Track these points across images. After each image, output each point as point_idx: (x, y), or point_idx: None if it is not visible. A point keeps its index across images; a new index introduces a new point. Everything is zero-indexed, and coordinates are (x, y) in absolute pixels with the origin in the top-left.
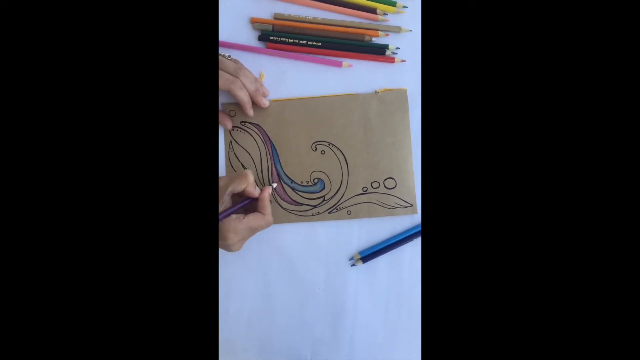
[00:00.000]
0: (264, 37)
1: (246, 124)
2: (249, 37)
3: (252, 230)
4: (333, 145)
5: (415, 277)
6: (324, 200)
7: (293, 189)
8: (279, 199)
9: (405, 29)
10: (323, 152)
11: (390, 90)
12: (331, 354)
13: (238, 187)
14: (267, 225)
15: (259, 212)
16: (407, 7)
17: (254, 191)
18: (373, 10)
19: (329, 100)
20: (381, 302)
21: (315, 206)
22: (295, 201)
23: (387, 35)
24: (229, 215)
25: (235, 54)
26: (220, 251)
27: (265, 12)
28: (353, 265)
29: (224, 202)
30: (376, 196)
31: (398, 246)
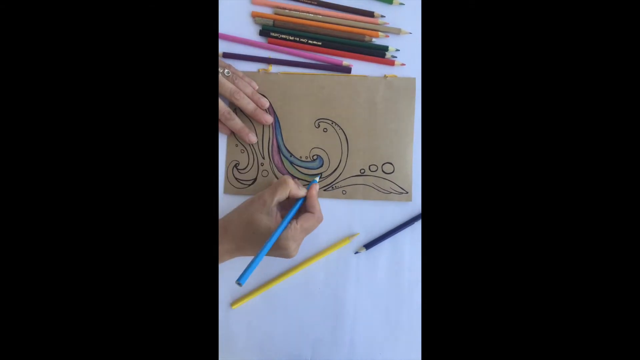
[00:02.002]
0: (265, 32)
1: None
2: (250, 31)
3: (307, 232)
4: (336, 124)
5: (416, 277)
6: (320, 177)
7: (291, 162)
8: (276, 170)
9: (405, 31)
10: (325, 130)
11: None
12: (331, 354)
13: (282, 195)
14: (319, 223)
15: (309, 211)
16: (403, 4)
17: (300, 192)
18: (370, 14)
19: (337, 79)
20: (381, 302)
21: (311, 182)
22: (292, 175)
23: (387, 36)
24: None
25: (236, 48)
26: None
27: (267, 7)
28: (357, 252)
29: (273, 213)
30: (373, 179)
31: (399, 230)
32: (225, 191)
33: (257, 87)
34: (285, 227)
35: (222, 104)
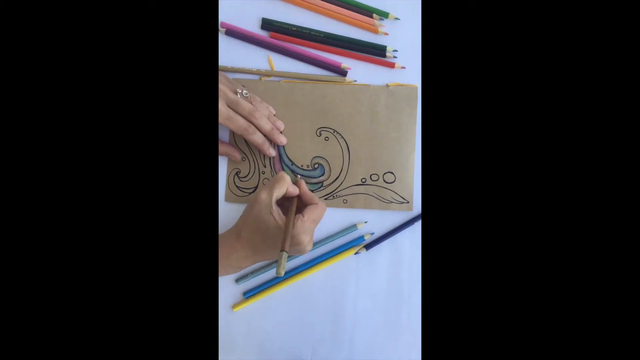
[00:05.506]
0: (266, 25)
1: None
2: (252, 25)
3: (316, 222)
4: (337, 133)
5: (416, 277)
6: (321, 186)
7: (293, 171)
8: None
9: (393, 15)
10: (327, 139)
11: (401, 85)
12: (331, 354)
13: (280, 192)
14: (324, 211)
15: (311, 203)
16: (399, 19)
17: (295, 190)
18: (369, 15)
19: (339, 88)
20: (381, 302)
21: (312, 191)
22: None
23: (386, 34)
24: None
25: (238, 44)
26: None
27: (266, 7)
28: (357, 253)
29: (275, 211)
30: (373, 189)
31: (399, 231)
32: (227, 199)
33: (274, 112)
34: (294, 223)
35: (240, 119)
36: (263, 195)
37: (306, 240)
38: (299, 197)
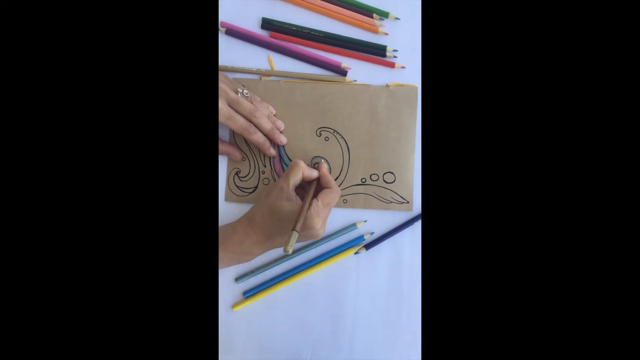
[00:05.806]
0: (266, 25)
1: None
2: (252, 25)
3: (329, 206)
4: (337, 133)
5: (416, 277)
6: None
7: None
8: (277, 178)
9: (393, 15)
10: (327, 139)
11: (401, 85)
12: (331, 354)
13: (297, 177)
14: (339, 196)
15: (326, 187)
16: (399, 19)
17: (312, 173)
18: (370, 15)
19: (339, 88)
20: (381, 302)
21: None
22: None
23: (386, 34)
24: (310, 204)
25: (238, 44)
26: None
27: (266, 7)
28: (357, 253)
29: (292, 198)
30: (373, 189)
31: (399, 231)
32: (227, 199)
33: (274, 112)
34: (308, 207)
35: (241, 119)
36: (281, 182)
37: (318, 224)
38: (318, 180)
